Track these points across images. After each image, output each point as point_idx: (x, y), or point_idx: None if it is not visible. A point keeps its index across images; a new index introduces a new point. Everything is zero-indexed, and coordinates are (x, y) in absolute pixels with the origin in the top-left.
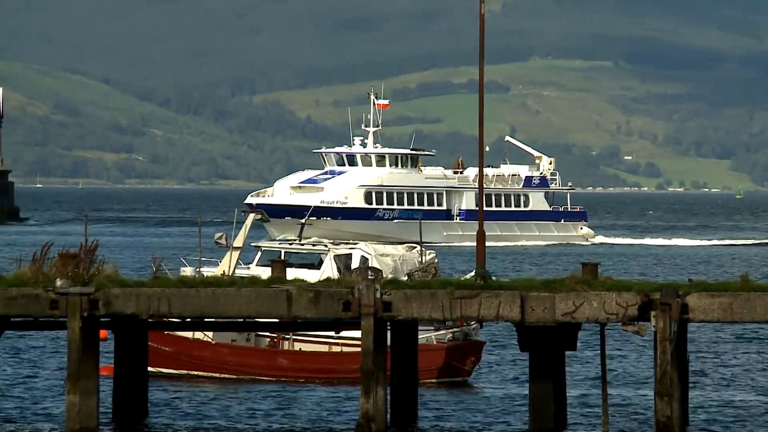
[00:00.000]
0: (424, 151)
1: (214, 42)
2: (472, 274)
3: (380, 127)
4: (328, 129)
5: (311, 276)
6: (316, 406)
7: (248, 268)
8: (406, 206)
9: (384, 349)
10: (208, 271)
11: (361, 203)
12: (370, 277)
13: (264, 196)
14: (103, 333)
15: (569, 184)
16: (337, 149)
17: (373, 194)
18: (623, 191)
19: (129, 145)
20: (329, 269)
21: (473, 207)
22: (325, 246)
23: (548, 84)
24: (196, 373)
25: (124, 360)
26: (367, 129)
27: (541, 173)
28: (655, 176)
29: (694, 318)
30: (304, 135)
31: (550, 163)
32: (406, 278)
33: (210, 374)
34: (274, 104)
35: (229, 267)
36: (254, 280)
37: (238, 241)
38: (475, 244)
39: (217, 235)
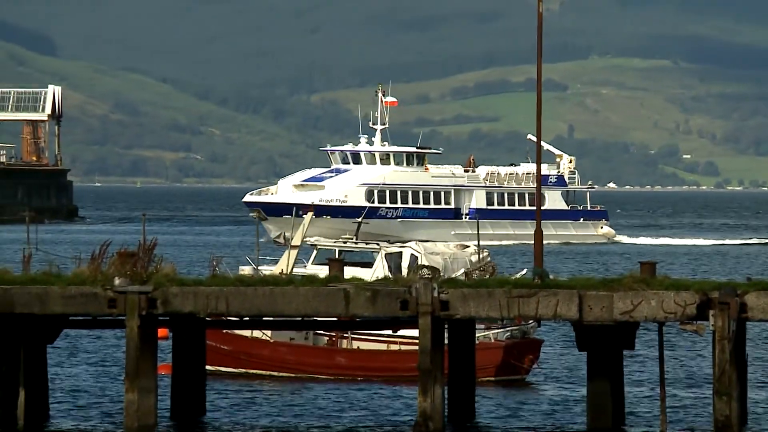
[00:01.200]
0: (430, 149)
1: (272, 41)
2: (523, 273)
3: (387, 125)
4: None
5: (363, 275)
6: (374, 405)
7: (305, 266)
8: (410, 205)
9: (441, 347)
10: (266, 270)
11: (362, 202)
12: (427, 276)
13: (267, 194)
14: (164, 332)
15: (589, 182)
16: (342, 147)
17: (375, 192)
18: (681, 190)
19: (187, 144)
20: (381, 268)
21: (483, 206)
22: (377, 245)
23: (607, 83)
24: (254, 371)
25: (182, 358)
26: (375, 127)
27: (559, 172)
28: (713, 175)
29: (752, 317)
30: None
31: (570, 162)
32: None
33: (268, 373)
34: (332, 103)
35: (287, 266)
36: (312, 279)
37: (296, 240)
38: (485, 243)
39: (276, 233)
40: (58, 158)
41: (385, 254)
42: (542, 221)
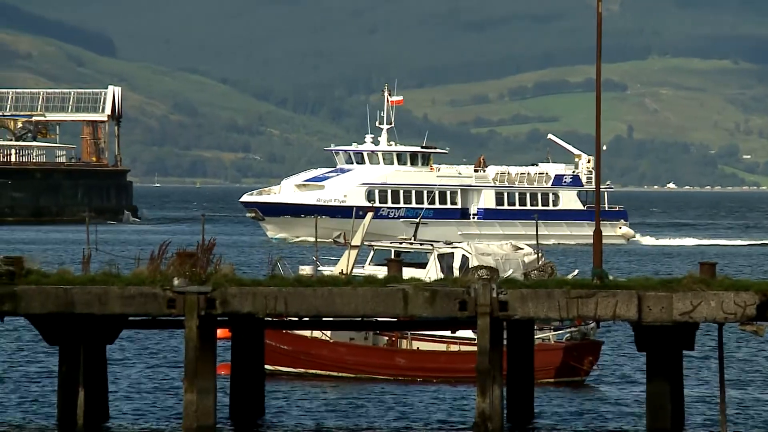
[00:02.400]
0: (436, 148)
1: (331, 41)
2: (575, 274)
3: (393, 124)
4: (444, 128)
5: (415, 275)
6: (433, 405)
7: (363, 267)
8: (414, 204)
9: (500, 348)
10: (326, 270)
11: (362, 201)
12: (485, 277)
13: (268, 194)
14: (225, 332)
15: (608, 182)
16: (346, 147)
17: (376, 192)
18: (742, 190)
19: (246, 144)
20: (433, 268)
21: (492, 206)
22: (431, 245)
23: (666, 83)
24: (313, 371)
25: (241, 358)
26: (381, 126)
27: (574, 172)
28: None
29: None
30: (420, 134)
31: (589, 162)
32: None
33: (328, 373)
34: None
35: (347, 266)
36: (370, 279)
37: (356, 240)
38: (496, 243)
39: (335, 233)
40: (117, 159)
41: (438, 255)
42: (557, 221)
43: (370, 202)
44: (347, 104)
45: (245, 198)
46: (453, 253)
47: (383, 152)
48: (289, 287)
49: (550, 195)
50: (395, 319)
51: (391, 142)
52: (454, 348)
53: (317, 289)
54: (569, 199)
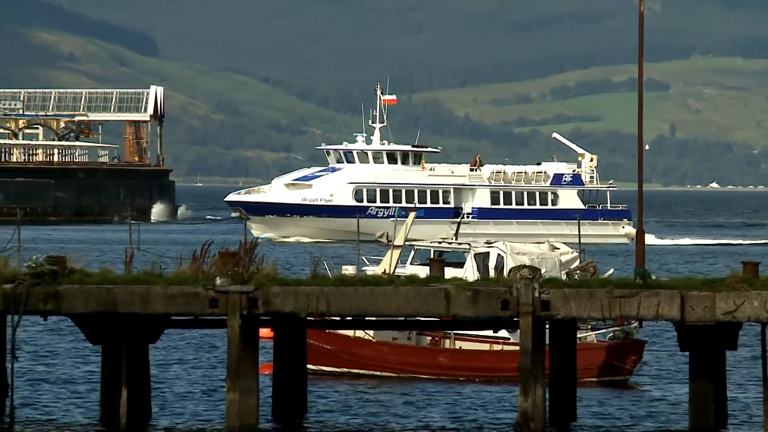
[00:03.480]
0: (427, 147)
1: (374, 41)
2: (610, 273)
3: (385, 123)
4: (486, 127)
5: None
6: (475, 405)
7: (404, 267)
8: (404, 204)
9: (542, 348)
10: (369, 270)
11: (349, 201)
12: (527, 276)
13: (257, 194)
14: (268, 332)
15: (610, 181)
16: (337, 146)
17: (364, 191)
18: None
19: (288, 144)
20: (471, 268)
21: (487, 205)
22: (468, 245)
23: (709, 82)
24: (356, 371)
25: (284, 358)
26: (375, 125)
27: (575, 171)
28: None
29: None
30: (462, 134)
31: (591, 160)
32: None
33: (370, 372)
34: (433, 103)
35: (390, 265)
36: (413, 279)
37: (399, 240)
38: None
39: (378, 233)
40: (160, 158)
41: (474, 254)
42: (555, 221)
43: (357, 201)
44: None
45: (230, 197)
46: (489, 252)
47: (373, 151)
48: (331, 287)
49: (549, 194)
50: (438, 319)
51: (384, 141)
52: (497, 348)
53: (359, 289)
54: (569, 198)
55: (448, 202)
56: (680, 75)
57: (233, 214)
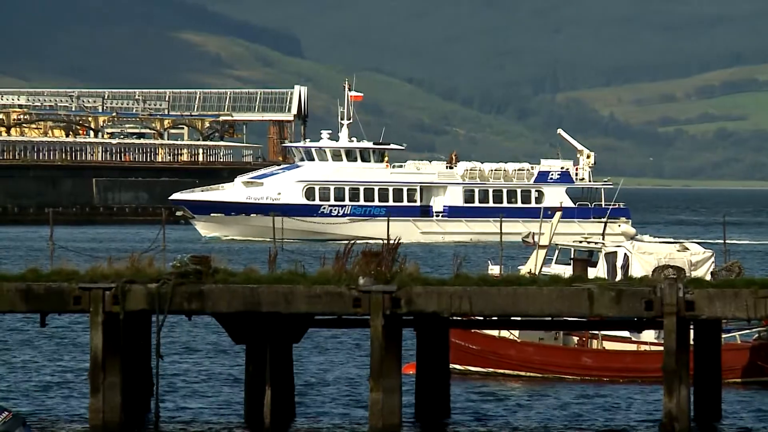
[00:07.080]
0: (390, 144)
1: (516, 41)
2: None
3: (351, 120)
4: (630, 127)
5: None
6: (620, 405)
7: (549, 267)
8: (362, 202)
9: (687, 348)
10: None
11: (299, 199)
12: (672, 276)
13: (218, 191)
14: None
15: (606, 179)
16: (299, 144)
17: (316, 190)
18: None
19: (431, 143)
20: (602, 267)
21: (460, 203)
22: (597, 244)
23: None
24: (501, 371)
25: (427, 358)
26: (343, 122)
27: (563, 168)
28: None
29: None
30: (607, 133)
31: (588, 157)
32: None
33: (515, 372)
34: (576, 102)
35: (535, 266)
36: (556, 279)
37: (545, 240)
38: (459, 240)
39: (524, 233)
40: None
41: (605, 254)
42: (538, 219)
43: (309, 200)
44: (533, 103)
45: (174, 196)
46: (616, 252)
47: (331, 149)
48: (474, 286)
49: (533, 192)
50: (584, 319)
51: (353, 138)
52: (644, 348)
53: (501, 289)
54: (556, 196)
55: (414, 201)
56: None
57: (177, 213)
